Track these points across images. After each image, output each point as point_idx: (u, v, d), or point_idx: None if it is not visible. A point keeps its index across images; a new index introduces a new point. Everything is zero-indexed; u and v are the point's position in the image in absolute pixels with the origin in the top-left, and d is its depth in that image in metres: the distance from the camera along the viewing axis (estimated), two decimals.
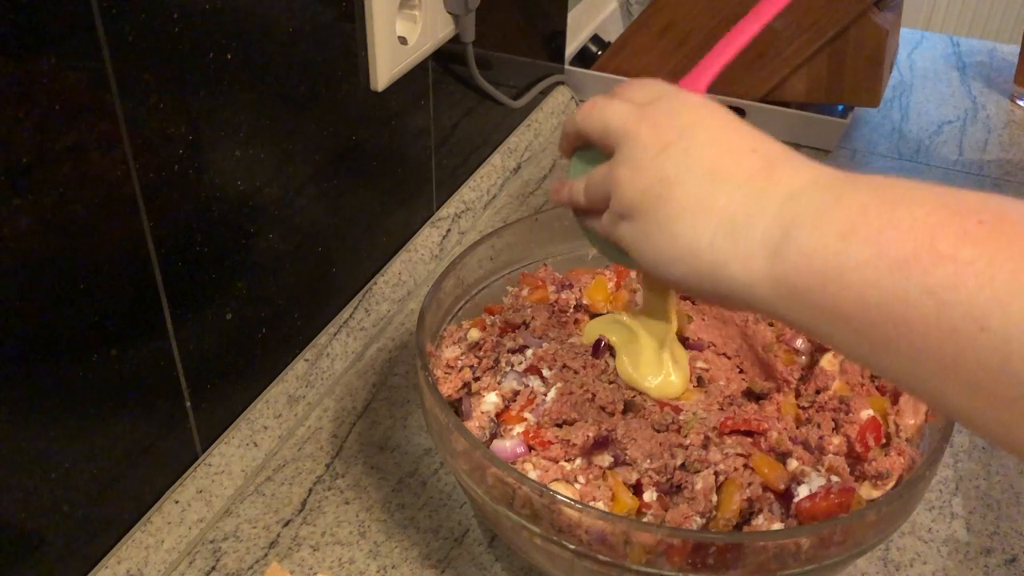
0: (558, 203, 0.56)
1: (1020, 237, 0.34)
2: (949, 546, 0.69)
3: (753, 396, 0.64)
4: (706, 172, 0.44)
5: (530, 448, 0.59)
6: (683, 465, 0.57)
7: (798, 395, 0.63)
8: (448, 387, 0.64)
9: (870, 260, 0.36)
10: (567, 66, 1.21)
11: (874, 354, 0.37)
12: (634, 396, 0.62)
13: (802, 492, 0.56)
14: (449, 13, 0.84)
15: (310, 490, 0.72)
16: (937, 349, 0.34)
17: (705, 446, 0.58)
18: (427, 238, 0.94)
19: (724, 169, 0.44)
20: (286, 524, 0.69)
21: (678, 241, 0.44)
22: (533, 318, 0.68)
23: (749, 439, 0.59)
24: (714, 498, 0.56)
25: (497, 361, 0.65)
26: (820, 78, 1.10)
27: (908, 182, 0.38)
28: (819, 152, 1.15)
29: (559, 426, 0.60)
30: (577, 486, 0.57)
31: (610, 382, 0.63)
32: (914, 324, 0.35)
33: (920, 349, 0.35)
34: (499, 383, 0.63)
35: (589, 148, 0.53)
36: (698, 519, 0.55)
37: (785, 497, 0.56)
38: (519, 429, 0.60)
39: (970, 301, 0.33)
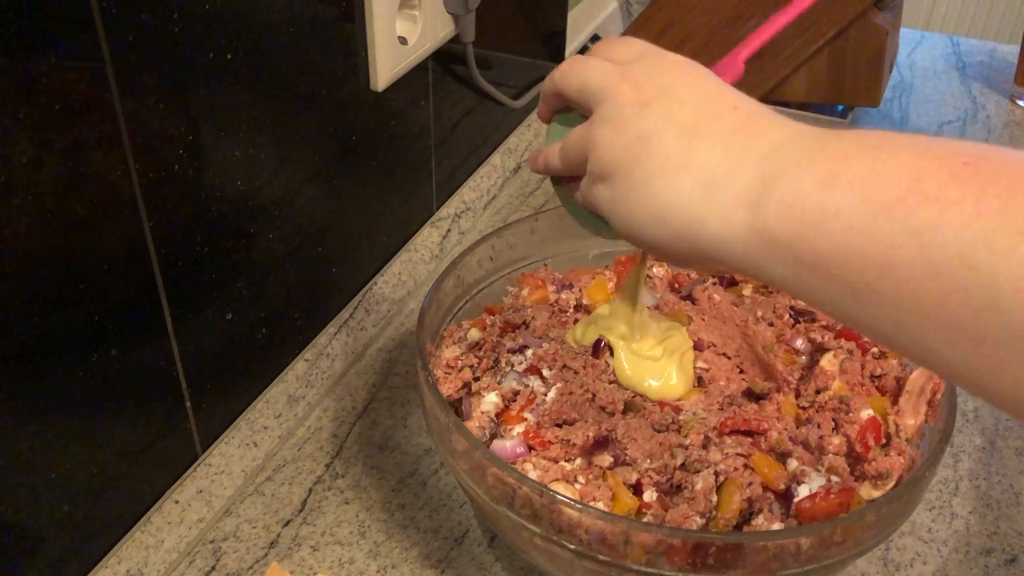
0: (535, 170, 0.55)
1: (1005, 176, 0.33)
2: (949, 546, 0.69)
3: (753, 396, 0.64)
4: (686, 129, 0.43)
5: (530, 448, 0.59)
6: (683, 465, 0.57)
7: (798, 395, 0.63)
8: (448, 387, 0.64)
9: (853, 206, 0.36)
10: None
11: (855, 305, 0.36)
12: (634, 396, 0.62)
13: (802, 492, 0.56)
14: (449, 13, 0.84)
15: (310, 490, 0.72)
16: (922, 293, 0.34)
17: (705, 446, 0.58)
18: (427, 238, 0.94)
19: (704, 126, 0.43)
20: (286, 524, 0.69)
21: (655, 200, 0.43)
22: (533, 318, 0.68)
23: (749, 439, 0.59)
24: (714, 498, 0.56)
25: (497, 361, 0.65)
26: (820, 78, 1.10)
27: (890, 133, 0.38)
28: None
29: (559, 426, 0.60)
30: (577, 486, 0.57)
31: (610, 382, 0.63)
32: (897, 268, 0.34)
33: (903, 295, 0.34)
34: (499, 383, 0.63)
35: (569, 112, 0.52)
36: (698, 519, 0.55)
37: (785, 497, 0.56)
38: (519, 429, 0.60)
39: (956, 240, 0.33)
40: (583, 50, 1.27)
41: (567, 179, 0.54)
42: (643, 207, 0.44)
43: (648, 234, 0.44)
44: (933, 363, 0.36)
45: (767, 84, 1.11)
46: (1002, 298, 0.31)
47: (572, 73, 0.50)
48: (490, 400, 0.62)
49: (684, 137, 0.43)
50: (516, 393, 0.62)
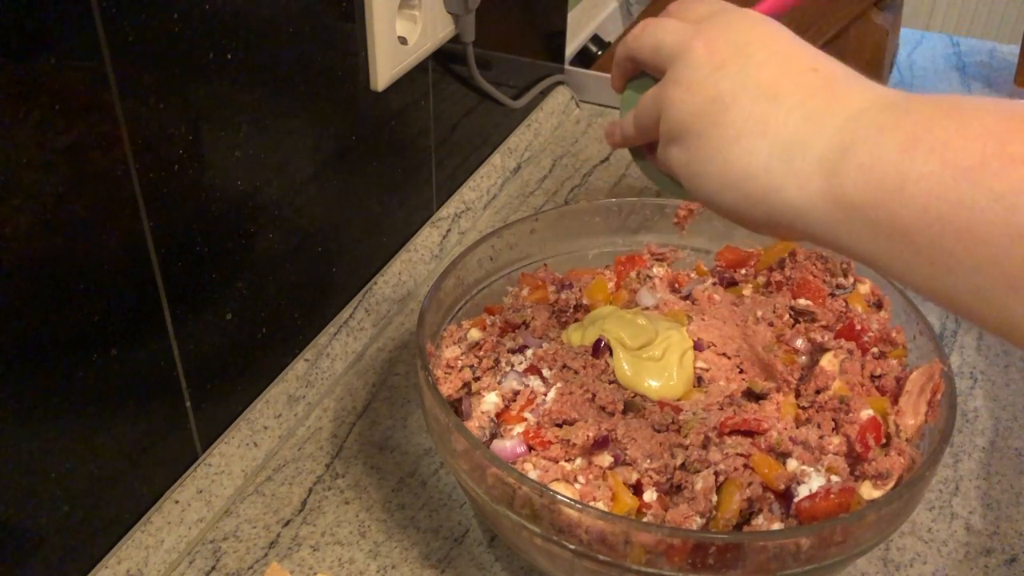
0: (612, 145, 0.54)
1: None
2: (949, 546, 0.69)
3: (753, 396, 0.64)
4: (763, 92, 0.42)
5: (530, 448, 0.59)
6: (683, 465, 0.57)
7: (798, 395, 0.63)
8: (448, 387, 0.64)
9: (934, 170, 0.35)
10: (567, 66, 1.21)
11: (933, 274, 0.36)
12: (634, 396, 0.62)
13: (802, 492, 0.56)
14: (449, 13, 0.84)
15: (310, 490, 0.72)
16: (1003, 258, 0.33)
17: (705, 446, 0.58)
18: (427, 238, 0.94)
19: (782, 88, 0.42)
20: (286, 524, 0.69)
21: (730, 165, 0.42)
22: (533, 318, 0.68)
23: (749, 439, 0.59)
24: (714, 498, 0.56)
25: (497, 361, 0.65)
26: None
27: (973, 97, 0.37)
28: None
29: (559, 426, 0.60)
30: (577, 486, 0.57)
31: (610, 382, 0.63)
32: (979, 232, 0.33)
33: (984, 261, 0.34)
34: (499, 383, 0.63)
35: (642, 78, 0.51)
36: (698, 519, 0.55)
37: (785, 497, 0.56)
38: (519, 429, 0.60)
39: None
40: (583, 50, 1.27)
41: (647, 148, 0.52)
42: (718, 171, 0.43)
43: (723, 199, 0.43)
44: (1011, 332, 0.35)
45: None
46: None
47: (645, 35, 0.48)
48: (490, 400, 0.62)
49: (761, 100, 0.42)
50: (516, 393, 0.62)
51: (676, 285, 0.74)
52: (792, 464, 0.57)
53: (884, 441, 0.60)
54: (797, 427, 0.60)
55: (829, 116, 0.40)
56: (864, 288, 0.71)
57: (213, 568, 0.66)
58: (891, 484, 0.57)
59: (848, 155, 0.38)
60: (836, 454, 0.58)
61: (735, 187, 0.42)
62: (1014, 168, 0.33)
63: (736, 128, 0.42)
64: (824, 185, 0.39)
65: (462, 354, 0.66)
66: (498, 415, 0.62)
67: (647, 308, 0.70)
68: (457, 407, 0.64)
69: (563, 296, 0.71)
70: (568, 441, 0.58)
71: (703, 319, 0.68)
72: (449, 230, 0.97)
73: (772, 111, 0.41)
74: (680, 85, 0.45)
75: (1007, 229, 0.33)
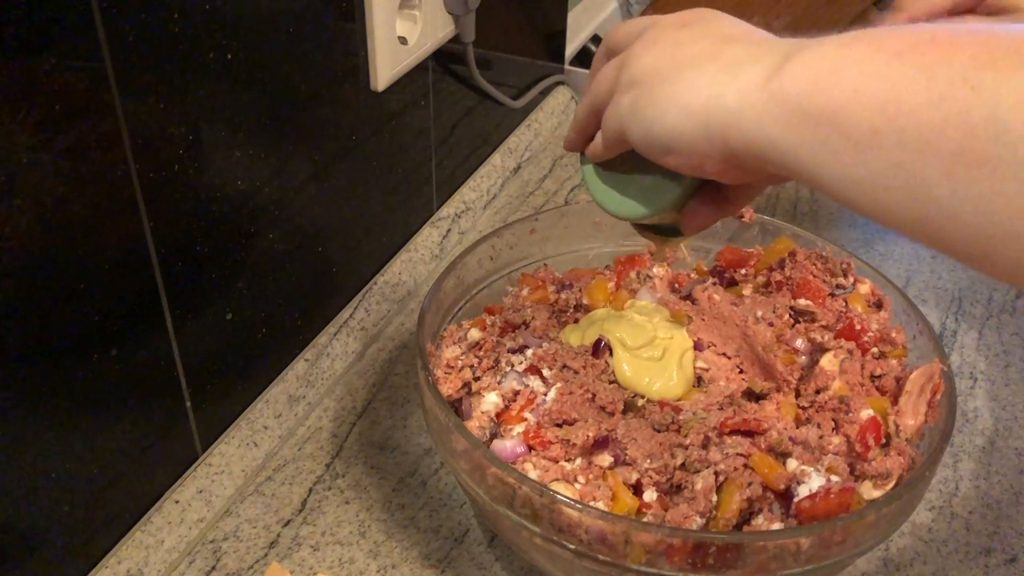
0: (569, 148, 0.57)
1: (1021, 44, 0.35)
2: (949, 546, 0.69)
3: (753, 396, 0.64)
4: (721, 37, 0.45)
5: (530, 448, 0.59)
6: (683, 465, 0.57)
7: (798, 395, 0.63)
8: (448, 387, 0.64)
9: (868, 55, 0.37)
10: (567, 66, 1.21)
11: (856, 157, 0.37)
12: (634, 396, 0.62)
13: (802, 492, 0.56)
14: (449, 13, 0.84)
15: (310, 490, 0.72)
16: (924, 124, 0.35)
17: (705, 446, 0.58)
18: (427, 238, 0.94)
19: (740, 37, 0.45)
20: (286, 524, 0.69)
21: (676, 87, 0.44)
22: (533, 318, 0.68)
23: (749, 439, 0.59)
24: (714, 498, 0.56)
25: (497, 361, 0.65)
26: None
27: None
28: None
29: (559, 426, 0.60)
30: (577, 486, 0.57)
31: (610, 382, 0.63)
32: (904, 101, 0.35)
33: (905, 129, 0.36)
34: (499, 383, 0.63)
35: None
36: (698, 519, 0.55)
37: (785, 497, 0.56)
38: (519, 429, 0.60)
39: (962, 67, 0.34)
40: (583, 50, 1.27)
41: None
42: (666, 98, 0.45)
43: (663, 122, 0.45)
44: (925, 211, 0.36)
45: None
46: (1001, 109, 0.33)
47: (624, 26, 0.51)
48: (490, 400, 0.62)
49: (719, 42, 0.45)
50: (516, 393, 0.62)
51: (676, 285, 0.74)
52: (792, 464, 0.57)
53: (884, 441, 0.60)
54: (797, 427, 0.60)
55: (780, 44, 0.42)
56: (864, 288, 0.71)
57: (213, 568, 0.66)
58: (891, 484, 0.57)
59: (792, 59, 0.40)
60: (836, 454, 0.58)
61: (677, 106, 0.44)
62: (940, 48, 0.36)
63: (690, 59, 0.45)
64: (764, 84, 0.41)
65: (462, 354, 0.66)
66: (498, 415, 0.62)
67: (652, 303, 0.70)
68: (457, 407, 0.64)
69: (563, 296, 0.71)
70: (568, 441, 0.58)
71: (703, 319, 0.68)
72: (449, 230, 0.97)
73: (728, 47, 0.44)
74: (643, 41, 0.48)
75: (928, 94, 0.35)
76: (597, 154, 0.53)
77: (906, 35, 0.37)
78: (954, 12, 0.64)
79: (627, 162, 0.53)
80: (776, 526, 0.55)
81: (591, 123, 0.53)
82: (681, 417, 0.60)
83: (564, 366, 0.63)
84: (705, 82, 0.43)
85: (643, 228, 0.58)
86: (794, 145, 0.40)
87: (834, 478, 0.57)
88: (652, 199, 0.52)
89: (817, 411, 0.62)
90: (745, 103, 0.41)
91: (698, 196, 0.51)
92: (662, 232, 0.58)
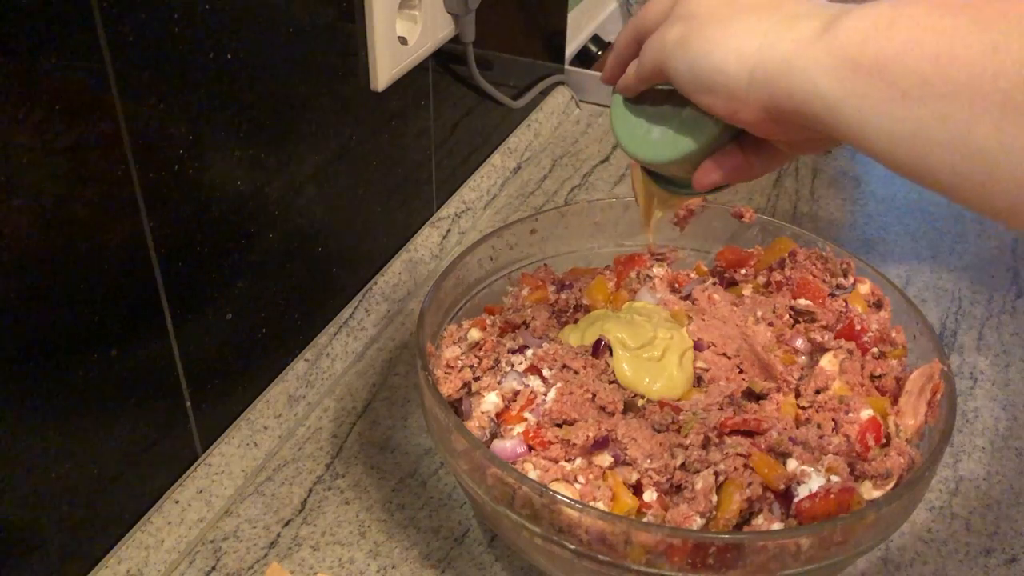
0: (607, 79, 0.56)
1: None
2: (949, 546, 0.69)
3: (753, 396, 0.64)
4: None
5: (530, 448, 0.59)
6: (683, 465, 0.57)
7: (798, 395, 0.63)
8: (448, 387, 0.64)
9: (924, 10, 0.37)
10: (567, 66, 1.21)
11: (903, 109, 0.37)
12: (634, 396, 0.62)
13: (802, 492, 0.56)
14: (449, 13, 0.84)
15: (310, 490, 0.72)
16: (976, 74, 0.35)
17: (705, 446, 0.58)
18: (427, 238, 0.94)
19: None
20: (286, 524, 0.69)
21: (731, 28, 0.44)
22: (533, 318, 0.68)
23: (749, 439, 0.59)
24: (714, 498, 0.56)
25: (497, 361, 0.65)
26: None
27: None
28: (818, 152, 1.14)
29: (559, 426, 0.60)
30: (577, 486, 0.57)
31: (610, 382, 0.63)
32: (957, 53, 0.35)
33: (956, 80, 0.35)
34: (499, 383, 0.63)
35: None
36: (698, 519, 0.55)
37: (785, 497, 0.56)
38: (519, 429, 0.60)
39: (1019, 20, 0.34)
40: (583, 50, 1.27)
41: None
42: (719, 37, 0.45)
43: (712, 61, 0.45)
44: (969, 165, 0.36)
45: None
46: None
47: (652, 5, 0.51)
48: (490, 400, 0.62)
49: None
50: (516, 393, 0.62)
51: (676, 285, 0.74)
52: (792, 464, 0.57)
53: (884, 441, 0.60)
54: (797, 427, 0.60)
55: (841, 5, 0.43)
56: (864, 288, 0.71)
57: (213, 568, 0.66)
58: (891, 484, 0.57)
59: (850, 13, 0.40)
60: (836, 454, 0.58)
61: (728, 46, 0.44)
62: (995, 2, 0.36)
63: (750, 5, 0.45)
64: (819, 36, 0.41)
65: (462, 354, 0.66)
66: (498, 415, 0.62)
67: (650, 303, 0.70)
68: (457, 407, 0.64)
69: (563, 296, 0.71)
70: (568, 441, 0.58)
71: (703, 319, 0.68)
72: (449, 230, 0.97)
73: (789, 1, 0.44)
74: None
75: (982, 45, 0.35)
76: (628, 86, 0.53)
77: None
78: None
79: (658, 104, 0.52)
80: (776, 526, 0.55)
81: (631, 51, 0.53)
82: (681, 417, 0.60)
83: (564, 366, 0.63)
84: (762, 28, 0.43)
85: (655, 177, 0.58)
86: (840, 97, 0.40)
87: (834, 478, 0.57)
88: (674, 145, 0.52)
89: (817, 411, 0.62)
90: (797, 53, 0.41)
91: (718, 154, 0.51)
92: (672, 184, 0.57)
